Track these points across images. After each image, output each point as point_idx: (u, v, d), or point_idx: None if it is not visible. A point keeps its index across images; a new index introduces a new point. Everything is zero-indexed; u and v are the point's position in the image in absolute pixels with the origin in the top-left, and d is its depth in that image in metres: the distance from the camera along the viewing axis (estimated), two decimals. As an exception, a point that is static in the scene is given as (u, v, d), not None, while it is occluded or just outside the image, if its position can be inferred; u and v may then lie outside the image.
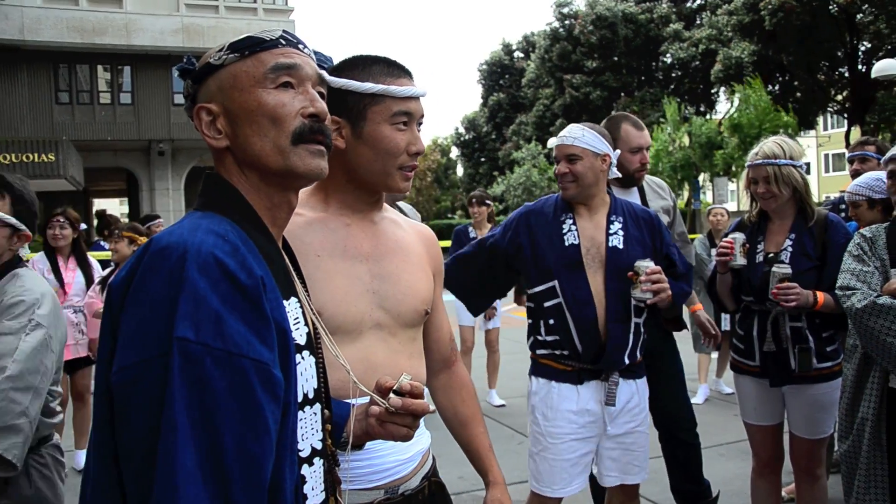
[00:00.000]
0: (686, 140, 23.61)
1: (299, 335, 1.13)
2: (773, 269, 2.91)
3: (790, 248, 3.00)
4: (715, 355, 6.73)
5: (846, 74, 26.98)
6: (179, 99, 20.18)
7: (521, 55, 41.80)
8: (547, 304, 2.79)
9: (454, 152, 46.55)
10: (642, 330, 2.85)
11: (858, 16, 24.97)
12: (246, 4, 22.93)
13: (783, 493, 3.37)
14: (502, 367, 6.85)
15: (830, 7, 24.78)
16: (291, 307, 1.13)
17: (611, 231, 2.79)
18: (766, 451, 3.21)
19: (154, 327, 0.95)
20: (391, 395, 1.25)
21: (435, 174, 39.38)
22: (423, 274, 1.68)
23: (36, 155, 18.91)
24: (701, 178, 24.42)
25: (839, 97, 28.32)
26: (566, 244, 2.79)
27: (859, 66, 26.19)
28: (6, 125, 20.28)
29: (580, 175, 2.75)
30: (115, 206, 46.16)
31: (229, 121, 1.16)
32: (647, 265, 2.62)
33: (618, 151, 2.89)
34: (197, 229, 1.04)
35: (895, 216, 2.64)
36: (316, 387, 1.16)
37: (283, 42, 1.19)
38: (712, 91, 31.22)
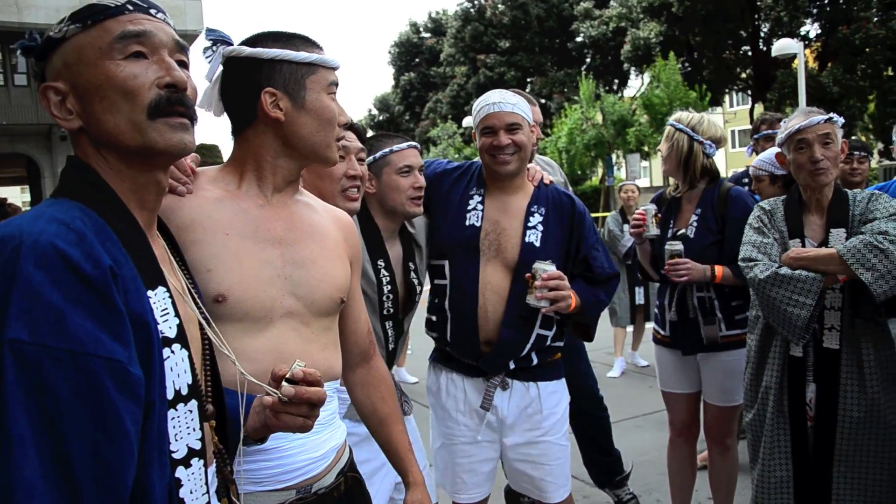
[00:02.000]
0: (599, 118, 24.04)
1: (168, 327, 1.06)
2: (666, 246, 3.00)
3: (695, 224, 3.09)
4: (630, 329, 6.89)
5: (749, 53, 27.99)
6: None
7: (428, 35, 41.59)
8: (436, 281, 2.55)
9: (368, 134, 46.01)
10: (549, 343, 2.53)
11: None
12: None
13: (697, 461, 3.47)
14: (419, 347, 6.83)
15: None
16: (158, 297, 1.06)
17: (529, 224, 2.46)
18: (681, 419, 3.30)
19: None
20: (284, 383, 1.19)
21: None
22: (339, 261, 1.62)
23: (-78, 142, 17.77)
24: (614, 155, 24.96)
25: (743, 75, 29.37)
26: (466, 223, 2.49)
27: (761, 46, 27.21)
28: None
29: (524, 146, 2.41)
30: (17, 195, 43.91)
31: (79, 99, 1.07)
32: (545, 268, 2.30)
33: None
34: (39, 218, 0.96)
35: (791, 191, 2.73)
36: (190, 382, 1.09)
37: (131, 8, 1.10)
38: (624, 68, 31.86)
